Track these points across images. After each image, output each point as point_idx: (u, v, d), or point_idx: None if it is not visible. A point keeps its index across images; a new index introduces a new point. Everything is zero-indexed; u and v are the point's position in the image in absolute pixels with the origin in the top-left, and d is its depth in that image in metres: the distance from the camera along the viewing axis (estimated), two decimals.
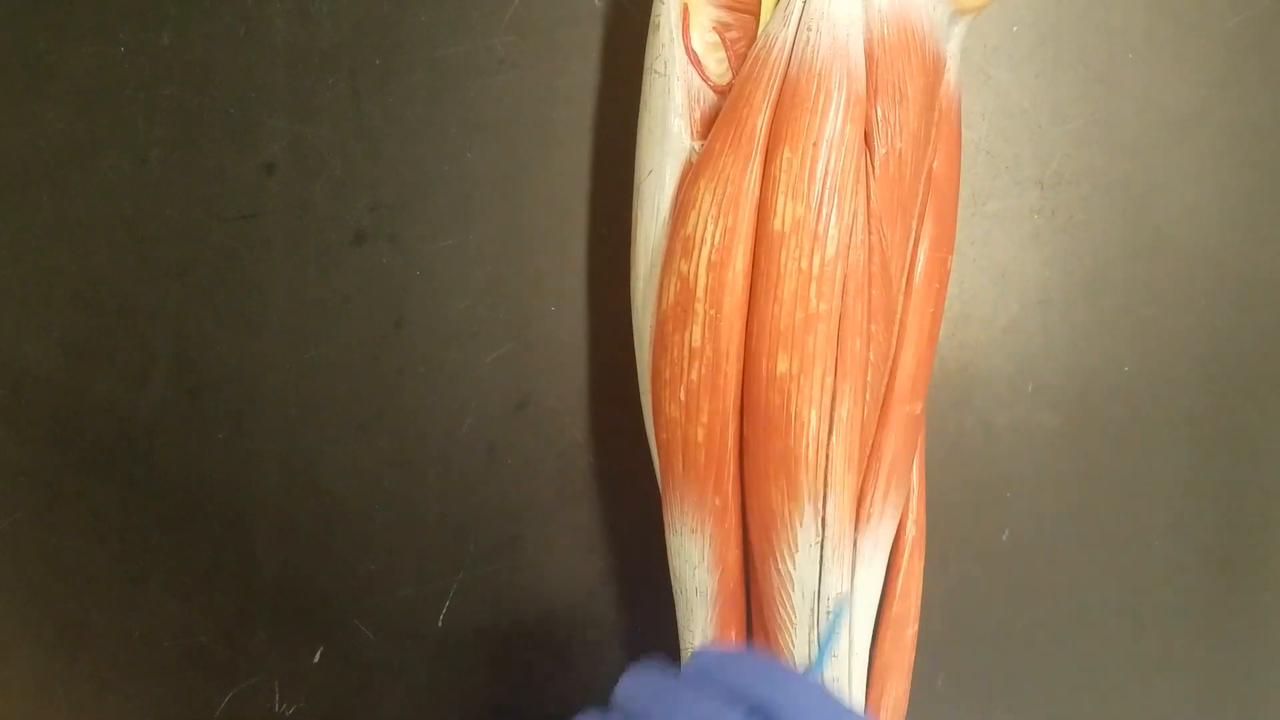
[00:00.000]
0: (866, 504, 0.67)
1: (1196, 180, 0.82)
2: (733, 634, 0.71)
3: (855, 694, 0.69)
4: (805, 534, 0.64)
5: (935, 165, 0.69)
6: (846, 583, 0.66)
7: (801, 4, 0.64)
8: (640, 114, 0.72)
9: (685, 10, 0.69)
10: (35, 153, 0.83)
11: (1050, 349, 0.82)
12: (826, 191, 0.61)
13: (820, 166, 0.61)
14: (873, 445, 0.68)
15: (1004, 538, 0.82)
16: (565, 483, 0.82)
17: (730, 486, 0.68)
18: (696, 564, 0.69)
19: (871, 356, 0.65)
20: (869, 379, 0.65)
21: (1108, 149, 0.82)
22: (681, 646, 0.72)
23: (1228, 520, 0.83)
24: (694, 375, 0.66)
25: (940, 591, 0.81)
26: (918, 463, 0.74)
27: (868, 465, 0.68)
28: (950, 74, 0.70)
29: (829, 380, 0.63)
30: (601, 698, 0.83)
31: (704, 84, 0.70)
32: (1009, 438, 0.83)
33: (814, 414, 0.63)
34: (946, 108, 0.70)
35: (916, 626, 0.75)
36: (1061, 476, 0.83)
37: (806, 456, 0.63)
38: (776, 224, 0.62)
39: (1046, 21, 0.82)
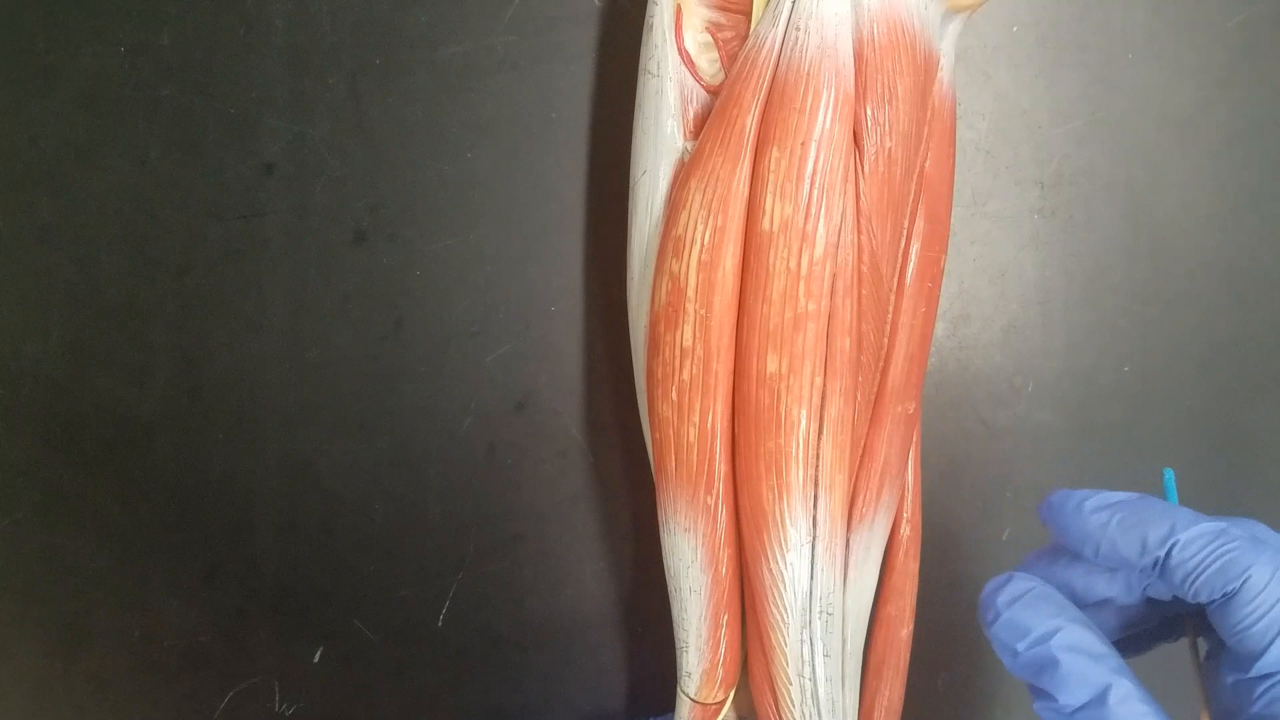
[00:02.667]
0: (859, 504, 0.67)
1: (1196, 180, 0.82)
2: (727, 633, 0.71)
3: (849, 694, 0.69)
4: (796, 533, 0.64)
5: (928, 164, 0.69)
6: (838, 583, 0.66)
7: (790, 4, 0.64)
8: (635, 114, 0.72)
9: (678, 11, 0.69)
10: (35, 153, 0.83)
11: (1050, 349, 0.82)
12: (815, 191, 0.61)
13: (809, 166, 0.61)
14: (865, 445, 0.68)
15: (1004, 538, 0.82)
16: (565, 483, 0.83)
17: (722, 485, 0.68)
18: (690, 563, 0.69)
19: (862, 356, 0.65)
20: (859, 378, 0.65)
21: (1108, 149, 0.82)
22: (676, 645, 0.72)
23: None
24: (685, 375, 0.66)
25: (940, 591, 0.81)
26: (913, 462, 0.74)
27: (860, 465, 0.68)
28: (944, 73, 0.70)
29: (818, 379, 0.63)
30: (601, 698, 0.84)
31: (697, 84, 0.70)
32: (1009, 438, 0.83)
33: (804, 413, 0.63)
34: (940, 107, 0.69)
35: (912, 626, 0.75)
36: (1061, 476, 0.82)
37: (797, 455, 0.63)
38: (765, 224, 0.62)
39: (1046, 21, 0.82)
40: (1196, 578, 0.54)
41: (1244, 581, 0.53)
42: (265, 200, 0.82)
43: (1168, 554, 0.55)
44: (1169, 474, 0.64)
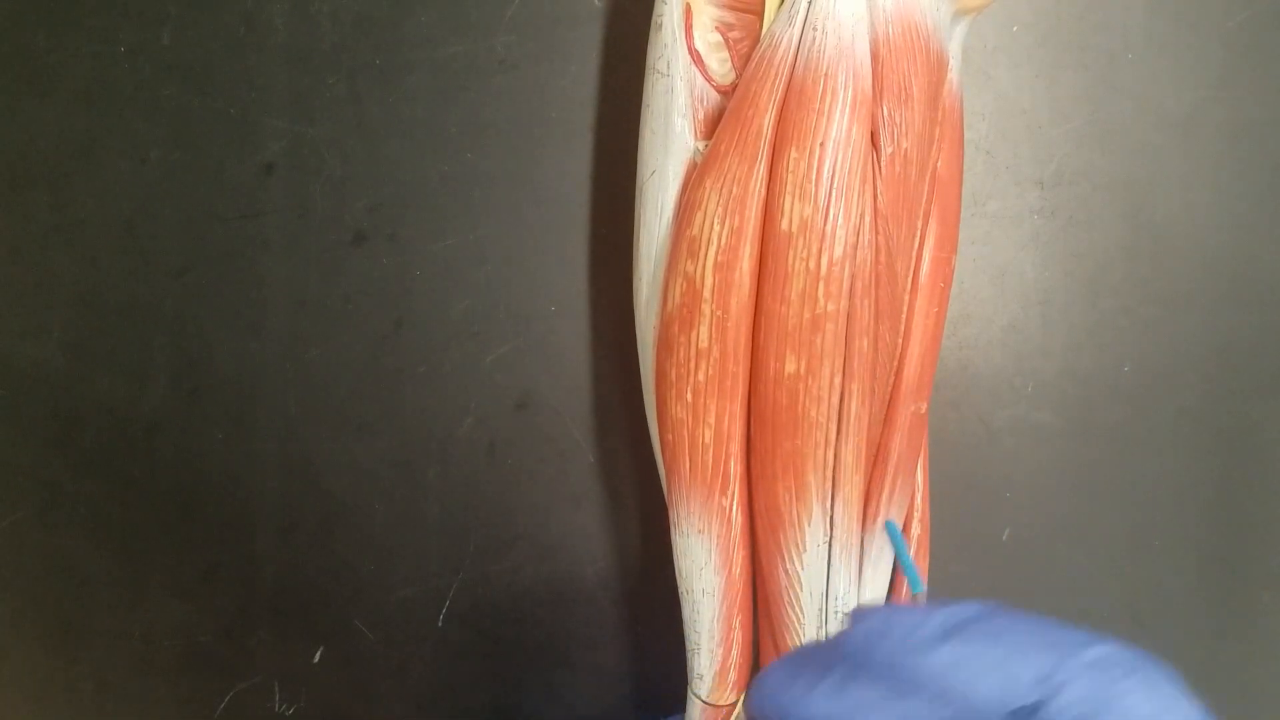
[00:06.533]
0: (874, 503, 0.67)
1: (1196, 180, 0.82)
2: (739, 635, 0.71)
3: None
4: (813, 534, 0.64)
5: (939, 165, 0.69)
6: (854, 582, 0.66)
7: (806, 4, 0.64)
8: (642, 114, 0.72)
9: (688, 10, 0.69)
10: (35, 153, 0.83)
11: (1050, 349, 0.82)
12: (833, 192, 0.61)
13: (827, 167, 0.61)
14: (879, 445, 0.68)
15: (1004, 538, 0.82)
16: (565, 483, 0.83)
17: (737, 487, 0.68)
18: (703, 565, 0.69)
19: (878, 356, 0.65)
20: (876, 378, 0.65)
21: (1108, 149, 0.82)
22: (688, 647, 0.72)
23: (1228, 520, 0.83)
24: (701, 376, 0.66)
25: (940, 591, 0.81)
26: (922, 462, 0.74)
27: (874, 465, 0.68)
28: (953, 73, 0.70)
29: (837, 380, 0.63)
30: (602, 699, 0.84)
31: (707, 84, 0.70)
32: (1008, 437, 0.83)
33: (823, 414, 0.63)
34: (949, 107, 0.69)
35: None
36: (1061, 476, 0.83)
37: (815, 456, 0.63)
38: (784, 224, 0.62)
39: (1046, 21, 0.82)
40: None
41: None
42: (265, 200, 0.82)
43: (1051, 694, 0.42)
44: (891, 526, 0.60)
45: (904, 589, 0.73)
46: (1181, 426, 0.83)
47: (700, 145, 0.69)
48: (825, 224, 0.61)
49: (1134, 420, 0.83)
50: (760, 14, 0.68)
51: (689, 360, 0.66)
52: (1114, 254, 0.82)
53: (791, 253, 0.62)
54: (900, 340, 0.69)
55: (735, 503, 0.68)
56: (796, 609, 0.66)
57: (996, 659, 0.42)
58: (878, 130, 0.63)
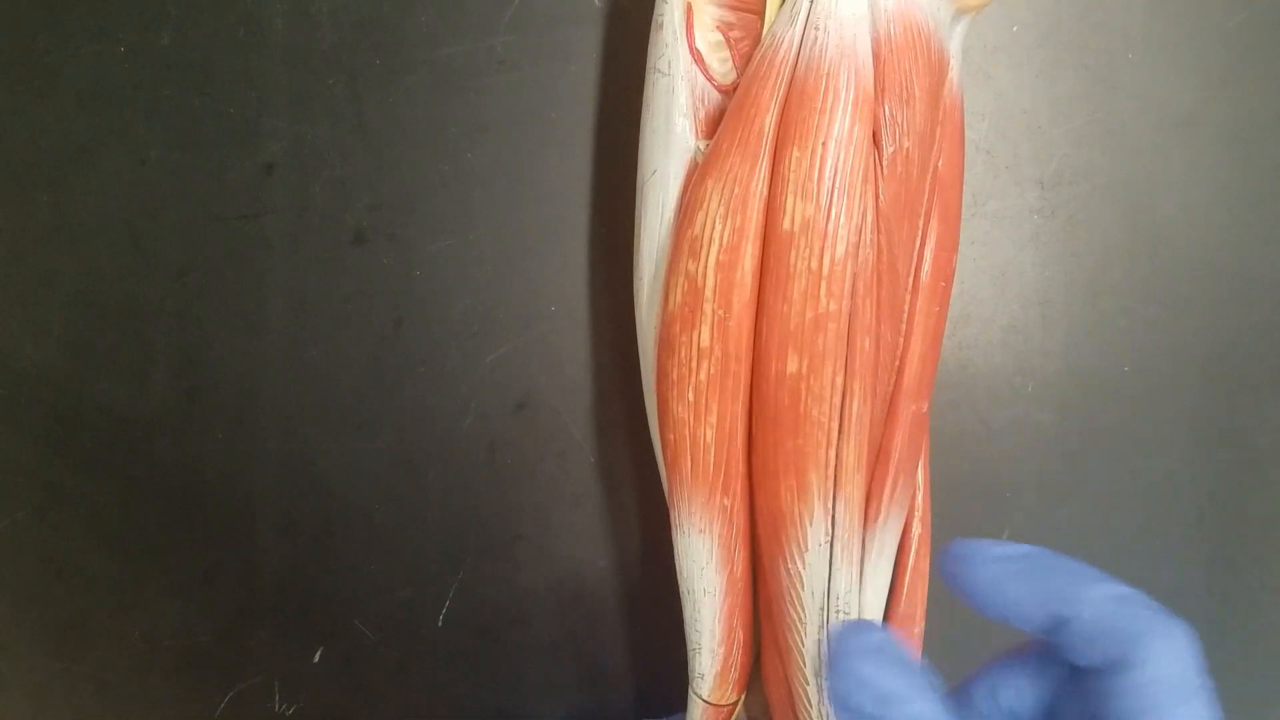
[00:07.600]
0: (875, 503, 0.67)
1: (1196, 180, 0.82)
2: (740, 634, 0.71)
3: None
4: (815, 533, 0.64)
5: (940, 164, 0.69)
6: (855, 582, 0.66)
7: (808, 4, 0.64)
8: (643, 114, 0.72)
9: (689, 9, 0.69)
10: (35, 153, 0.83)
11: (1050, 349, 0.82)
12: (835, 191, 0.61)
13: (829, 166, 0.61)
14: (881, 444, 0.68)
15: (1004, 537, 0.82)
16: (565, 483, 0.83)
17: (739, 487, 0.68)
18: (704, 564, 0.69)
19: (880, 356, 0.65)
20: (878, 378, 0.65)
21: (1108, 149, 0.82)
22: (689, 647, 0.72)
23: (1228, 520, 0.83)
24: (702, 376, 0.66)
25: (941, 591, 0.81)
26: (923, 462, 0.74)
27: (876, 464, 0.68)
28: (953, 73, 0.70)
29: (839, 379, 0.63)
30: (603, 699, 0.84)
31: (708, 83, 0.70)
32: (1008, 437, 0.83)
33: (824, 413, 0.63)
34: (950, 106, 0.69)
35: (923, 625, 0.75)
36: (1061, 476, 0.83)
37: (817, 456, 0.63)
38: (785, 224, 0.62)
39: (1046, 21, 0.82)
40: (1095, 640, 0.46)
41: (1145, 652, 0.45)
42: (265, 200, 0.82)
43: (1072, 614, 0.47)
44: None
45: (903, 590, 0.73)
46: (1181, 426, 0.83)
47: (701, 145, 0.69)
48: (827, 223, 0.61)
49: (1134, 420, 0.83)
50: (761, 13, 0.68)
51: (691, 360, 0.66)
52: (1114, 254, 0.82)
53: (793, 252, 0.62)
54: (902, 340, 0.69)
55: (737, 502, 0.68)
56: (798, 608, 0.66)
57: (1033, 576, 0.49)
58: (879, 129, 0.63)
